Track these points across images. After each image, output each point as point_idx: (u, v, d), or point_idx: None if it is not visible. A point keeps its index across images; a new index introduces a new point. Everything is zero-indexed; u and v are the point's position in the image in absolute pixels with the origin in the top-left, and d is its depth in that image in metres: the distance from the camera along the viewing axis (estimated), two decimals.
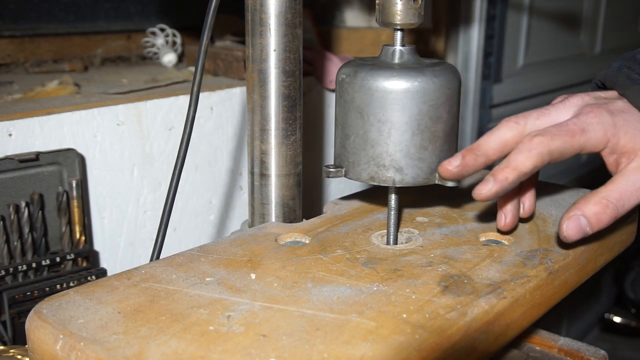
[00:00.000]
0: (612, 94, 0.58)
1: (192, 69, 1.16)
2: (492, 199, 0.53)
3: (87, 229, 0.82)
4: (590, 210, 0.52)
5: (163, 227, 0.62)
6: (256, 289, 0.49)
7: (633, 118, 0.54)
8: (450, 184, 0.55)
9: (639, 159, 0.53)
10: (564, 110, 0.56)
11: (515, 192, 0.60)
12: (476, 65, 1.54)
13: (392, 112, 0.54)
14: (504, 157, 0.54)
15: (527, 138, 0.52)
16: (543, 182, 0.75)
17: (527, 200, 0.62)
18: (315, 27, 1.21)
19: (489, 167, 0.55)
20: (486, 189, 0.52)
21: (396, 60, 0.56)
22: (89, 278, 0.80)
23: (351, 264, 0.54)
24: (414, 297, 0.48)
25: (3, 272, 0.75)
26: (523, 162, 0.51)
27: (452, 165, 0.53)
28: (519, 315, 0.50)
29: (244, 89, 0.98)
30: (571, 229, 0.52)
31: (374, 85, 0.54)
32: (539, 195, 0.70)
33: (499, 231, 0.61)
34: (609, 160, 0.55)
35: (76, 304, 0.47)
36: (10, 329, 0.75)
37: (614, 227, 0.63)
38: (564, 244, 0.57)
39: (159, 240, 0.62)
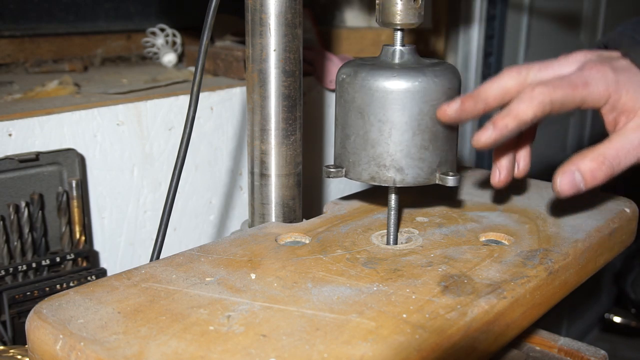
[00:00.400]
0: (615, 53, 0.58)
1: (192, 69, 1.15)
2: (490, 147, 0.53)
3: (87, 229, 0.82)
4: (585, 166, 0.51)
5: (163, 227, 0.62)
6: (256, 289, 0.49)
7: (636, 77, 0.54)
8: (450, 183, 0.55)
9: (638, 118, 0.52)
10: (566, 64, 0.56)
11: (511, 147, 0.59)
12: (476, 65, 1.54)
13: (392, 112, 0.54)
14: (503, 106, 0.53)
15: (529, 88, 0.52)
16: (544, 182, 0.75)
17: (523, 159, 0.61)
18: (315, 27, 1.21)
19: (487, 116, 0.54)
20: (485, 136, 0.52)
21: (396, 60, 0.56)
22: (89, 278, 0.80)
23: (351, 264, 0.54)
24: (414, 297, 0.48)
25: (3, 272, 0.75)
26: (525, 110, 0.51)
27: (451, 109, 0.53)
28: (519, 315, 0.50)
29: (244, 89, 0.98)
30: (565, 184, 0.51)
31: (375, 85, 0.54)
32: (539, 194, 0.70)
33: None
34: (608, 118, 0.54)
35: (76, 304, 0.47)
36: (10, 329, 0.75)
37: (614, 226, 0.63)
38: (564, 245, 0.57)
39: (159, 240, 0.62)
